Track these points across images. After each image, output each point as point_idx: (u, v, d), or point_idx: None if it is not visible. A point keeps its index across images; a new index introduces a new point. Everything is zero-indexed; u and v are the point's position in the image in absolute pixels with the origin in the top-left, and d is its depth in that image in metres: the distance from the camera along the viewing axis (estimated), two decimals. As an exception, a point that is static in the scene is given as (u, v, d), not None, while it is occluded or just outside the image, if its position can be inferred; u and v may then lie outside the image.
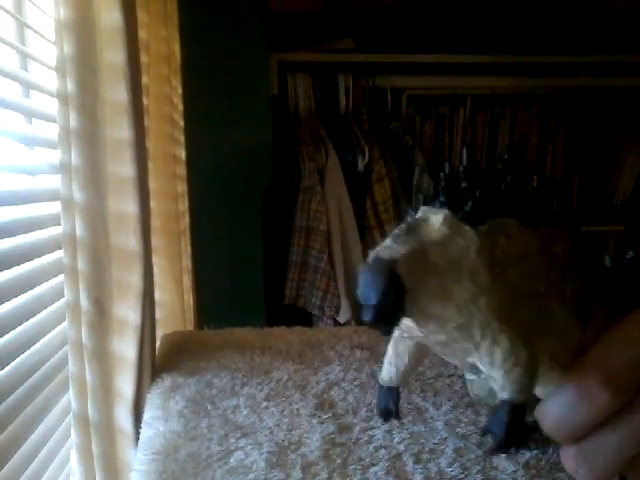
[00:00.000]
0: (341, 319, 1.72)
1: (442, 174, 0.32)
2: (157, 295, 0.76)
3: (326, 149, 1.72)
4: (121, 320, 0.59)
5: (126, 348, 0.58)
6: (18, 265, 0.56)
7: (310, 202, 1.69)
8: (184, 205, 1.02)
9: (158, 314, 0.76)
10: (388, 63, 1.87)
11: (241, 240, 1.72)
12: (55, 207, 0.61)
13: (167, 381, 0.57)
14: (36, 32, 0.67)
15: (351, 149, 1.74)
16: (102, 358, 0.59)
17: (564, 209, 0.33)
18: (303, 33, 1.84)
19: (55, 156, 0.59)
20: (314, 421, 0.48)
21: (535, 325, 0.31)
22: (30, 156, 0.66)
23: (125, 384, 0.58)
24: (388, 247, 0.28)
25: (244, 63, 1.68)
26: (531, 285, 0.31)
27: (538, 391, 0.30)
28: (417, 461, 0.42)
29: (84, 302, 0.58)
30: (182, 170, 1.01)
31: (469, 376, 0.42)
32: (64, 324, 0.62)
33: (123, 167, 0.56)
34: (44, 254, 0.62)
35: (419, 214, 0.31)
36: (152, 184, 0.75)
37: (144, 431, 0.49)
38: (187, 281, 0.99)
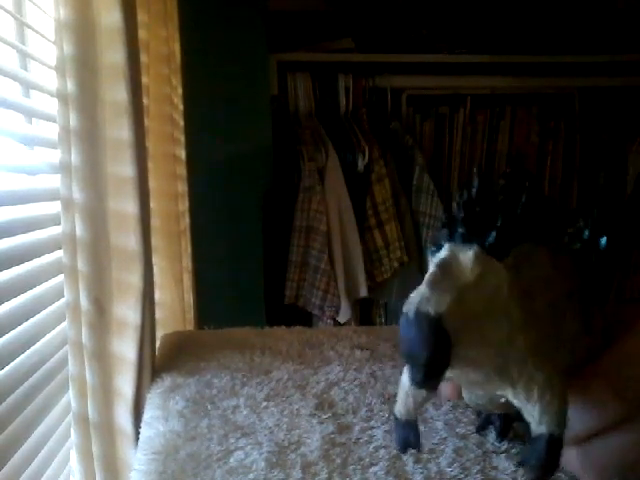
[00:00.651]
0: (341, 319, 1.72)
1: (456, 202, 0.30)
2: (157, 295, 0.76)
3: (326, 149, 1.72)
4: (121, 320, 0.59)
5: (126, 348, 0.58)
6: (18, 265, 0.56)
7: (310, 202, 1.69)
8: (184, 205, 1.01)
9: (158, 314, 0.76)
10: (388, 63, 1.87)
11: (241, 240, 1.72)
12: (55, 207, 0.61)
13: (167, 381, 0.57)
14: (36, 32, 0.67)
15: (351, 149, 1.74)
16: (102, 358, 0.59)
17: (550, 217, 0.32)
18: (303, 33, 1.84)
19: (55, 156, 0.59)
20: (314, 421, 0.48)
21: (554, 342, 0.31)
22: (30, 156, 0.66)
23: (125, 384, 0.58)
24: (428, 298, 0.27)
25: (244, 63, 1.68)
26: (555, 310, 0.31)
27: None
28: (417, 461, 0.42)
29: (84, 302, 0.58)
30: (182, 170, 1.01)
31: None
32: (64, 324, 0.62)
33: (123, 167, 0.56)
34: (44, 254, 0.62)
35: (446, 252, 0.29)
36: (152, 184, 0.75)
37: (144, 431, 0.49)
38: (187, 281, 0.99)
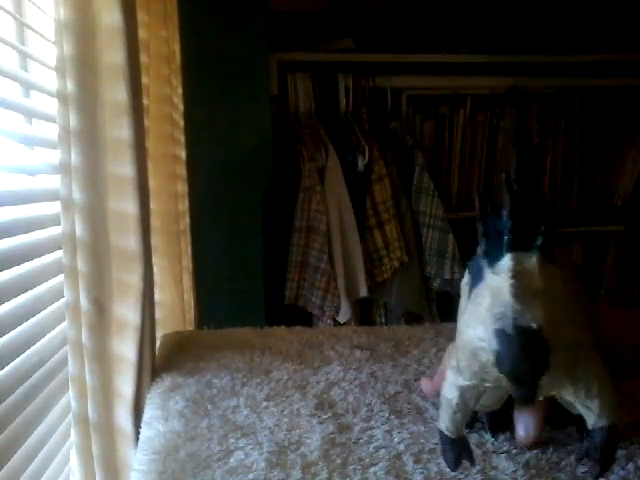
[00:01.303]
0: (341, 319, 1.72)
1: (505, 213, 0.31)
2: (157, 295, 0.76)
3: (326, 149, 1.72)
4: (121, 320, 0.59)
5: (126, 348, 0.58)
6: (18, 265, 0.56)
7: (310, 202, 1.69)
8: (184, 205, 1.01)
9: (158, 314, 0.76)
10: (388, 63, 1.87)
11: (241, 240, 1.72)
12: (55, 207, 0.61)
13: (167, 381, 0.57)
14: (36, 32, 0.67)
15: (351, 149, 1.74)
16: (102, 358, 0.59)
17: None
18: (303, 33, 1.84)
19: (55, 156, 0.59)
20: (314, 421, 0.48)
21: (595, 337, 0.33)
22: (30, 156, 0.66)
23: (125, 384, 0.58)
24: (522, 311, 0.28)
25: (244, 63, 1.68)
26: (589, 306, 0.33)
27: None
28: (417, 461, 0.42)
29: (84, 302, 0.58)
30: (182, 170, 1.01)
31: None
32: (64, 324, 0.62)
33: (123, 167, 0.56)
34: (44, 254, 0.62)
35: (512, 262, 0.30)
36: (152, 184, 0.75)
37: (144, 431, 0.49)
38: (187, 281, 0.99)
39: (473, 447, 0.43)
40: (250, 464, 0.42)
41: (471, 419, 0.44)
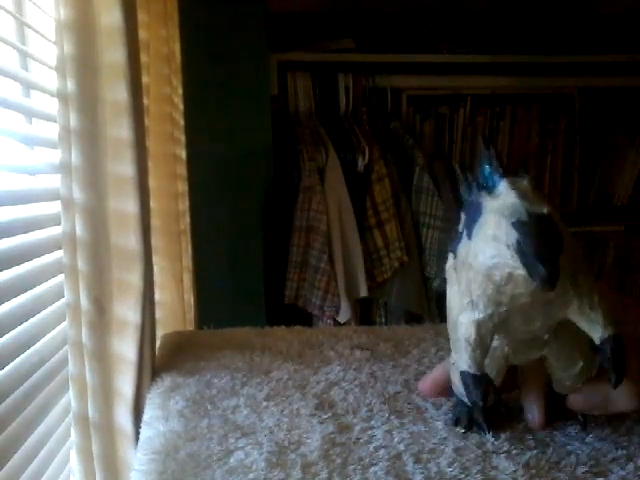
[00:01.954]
0: (341, 319, 1.72)
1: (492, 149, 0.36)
2: (157, 295, 0.76)
3: (326, 149, 1.72)
4: (121, 320, 0.59)
5: (126, 348, 0.58)
6: (18, 265, 0.56)
7: (310, 202, 1.69)
8: (184, 205, 1.01)
9: (158, 314, 0.76)
10: (388, 63, 1.87)
11: (241, 240, 1.72)
12: (55, 207, 0.61)
13: (167, 381, 0.57)
14: (36, 32, 0.67)
15: (351, 149, 1.74)
16: (102, 358, 0.59)
17: None
18: (303, 33, 1.85)
19: (55, 156, 0.59)
20: (314, 421, 0.48)
21: None
22: (30, 156, 0.66)
23: (125, 384, 0.58)
24: (529, 202, 0.32)
25: (244, 63, 1.68)
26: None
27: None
28: (417, 461, 0.42)
29: (84, 302, 0.58)
30: (182, 170, 1.01)
31: None
32: (64, 324, 0.62)
33: (123, 167, 0.56)
34: (44, 254, 0.62)
35: (508, 182, 0.34)
36: (152, 184, 0.75)
37: (144, 431, 0.49)
38: (187, 281, 0.99)
39: (473, 447, 0.43)
40: (250, 464, 0.42)
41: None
